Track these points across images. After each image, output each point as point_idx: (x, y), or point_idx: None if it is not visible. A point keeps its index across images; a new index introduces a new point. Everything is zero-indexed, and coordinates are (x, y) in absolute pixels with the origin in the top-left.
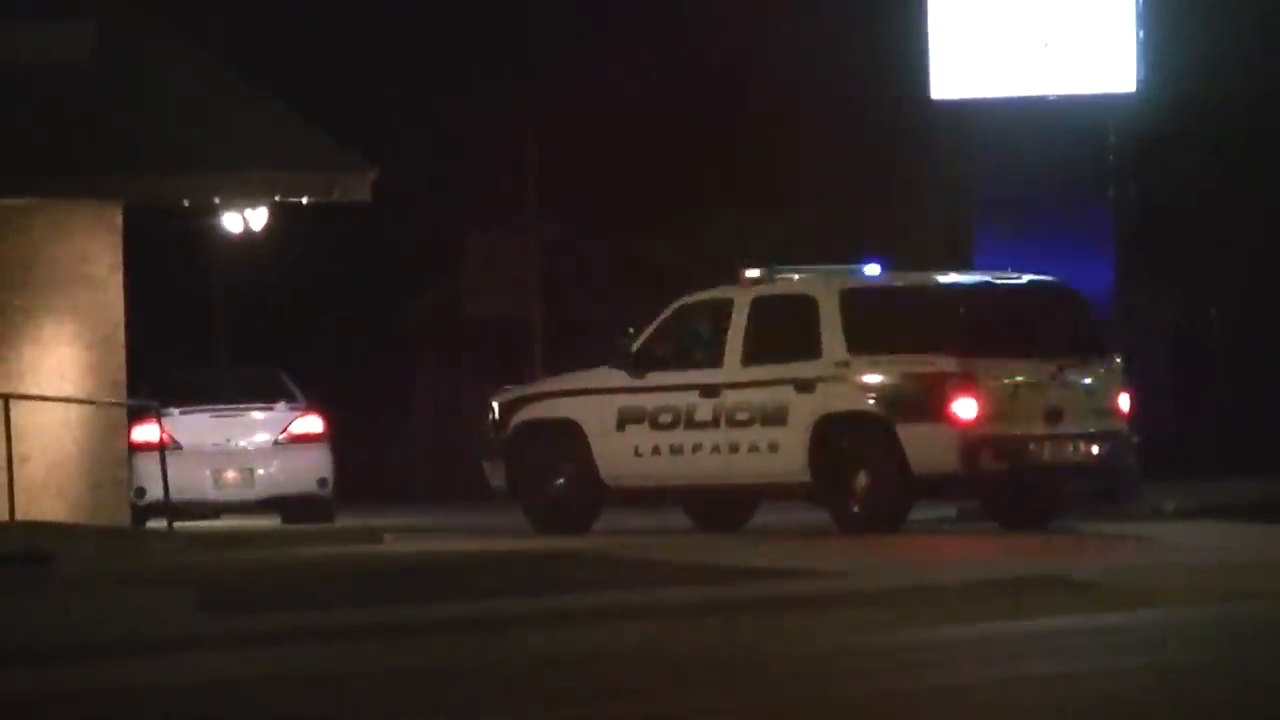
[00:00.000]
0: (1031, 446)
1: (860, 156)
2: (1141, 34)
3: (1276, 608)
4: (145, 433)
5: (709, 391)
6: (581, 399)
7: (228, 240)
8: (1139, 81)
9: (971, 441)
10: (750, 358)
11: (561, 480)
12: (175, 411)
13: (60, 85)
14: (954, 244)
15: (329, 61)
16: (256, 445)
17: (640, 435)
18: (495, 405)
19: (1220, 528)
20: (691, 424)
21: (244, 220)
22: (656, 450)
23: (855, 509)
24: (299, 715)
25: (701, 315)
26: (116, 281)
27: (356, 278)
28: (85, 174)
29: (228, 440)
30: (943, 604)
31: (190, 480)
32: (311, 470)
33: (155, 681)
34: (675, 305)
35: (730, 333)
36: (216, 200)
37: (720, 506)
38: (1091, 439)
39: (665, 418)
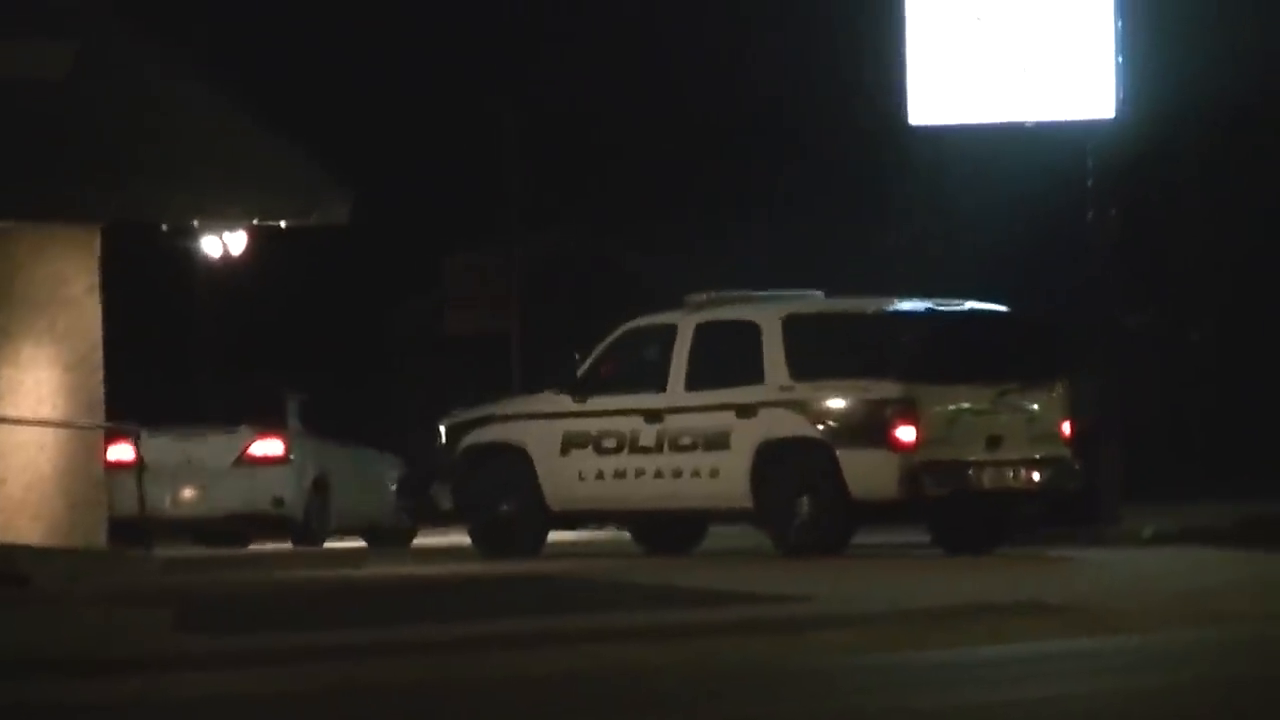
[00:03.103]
0: (972, 472)
1: (837, 180)
2: (1120, 59)
3: (1254, 631)
4: (118, 452)
5: (652, 416)
6: (527, 423)
7: (208, 261)
8: (1118, 106)
9: (912, 467)
10: (694, 383)
11: (507, 505)
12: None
13: (39, 104)
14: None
15: (308, 81)
16: (213, 466)
17: (585, 460)
18: (443, 429)
19: (1199, 552)
20: (635, 449)
21: (223, 243)
22: (601, 475)
23: (796, 534)
24: None
25: (646, 340)
26: (94, 303)
27: (336, 297)
28: (62, 195)
29: (188, 460)
30: (920, 628)
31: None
32: (267, 489)
33: (132, 699)
34: (620, 330)
35: (674, 358)
36: (195, 223)
37: (668, 530)
38: (1033, 464)
39: (609, 442)
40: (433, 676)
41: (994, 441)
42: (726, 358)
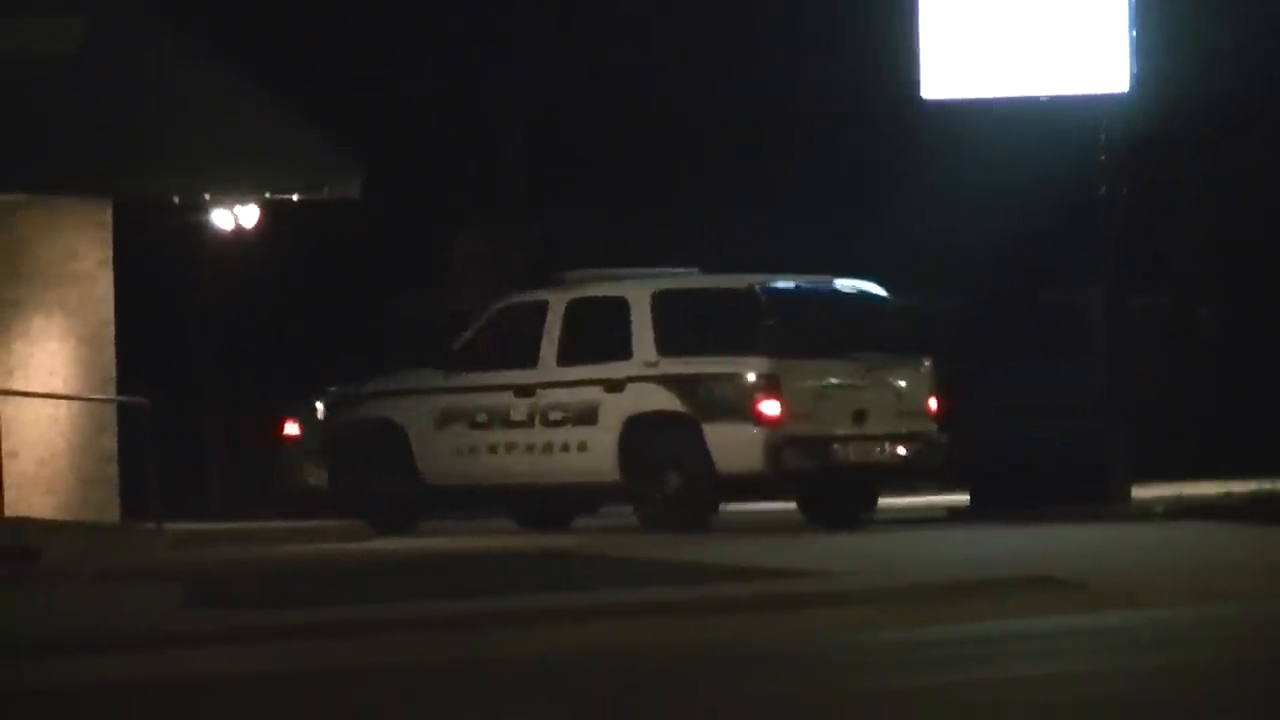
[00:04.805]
0: (837, 447)
1: (849, 156)
2: (1134, 34)
3: (1263, 608)
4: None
5: (524, 392)
6: (402, 399)
7: (218, 235)
8: (1131, 81)
9: (776, 441)
10: (565, 359)
11: (383, 480)
12: None
13: (50, 79)
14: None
15: (319, 56)
16: None
17: (458, 435)
18: (319, 405)
19: (1208, 528)
20: (507, 424)
21: (234, 217)
22: (474, 450)
23: (663, 508)
24: (286, 711)
25: (520, 316)
26: (106, 277)
27: (343, 274)
28: (74, 169)
29: None
30: (924, 604)
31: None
32: None
33: (142, 676)
34: (495, 306)
35: (546, 334)
36: (206, 197)
37: (548, 505)
38: (898, 439)
39: (482, 417)
40: (438, 654)
41: (860, 416)
42: (597, 334)
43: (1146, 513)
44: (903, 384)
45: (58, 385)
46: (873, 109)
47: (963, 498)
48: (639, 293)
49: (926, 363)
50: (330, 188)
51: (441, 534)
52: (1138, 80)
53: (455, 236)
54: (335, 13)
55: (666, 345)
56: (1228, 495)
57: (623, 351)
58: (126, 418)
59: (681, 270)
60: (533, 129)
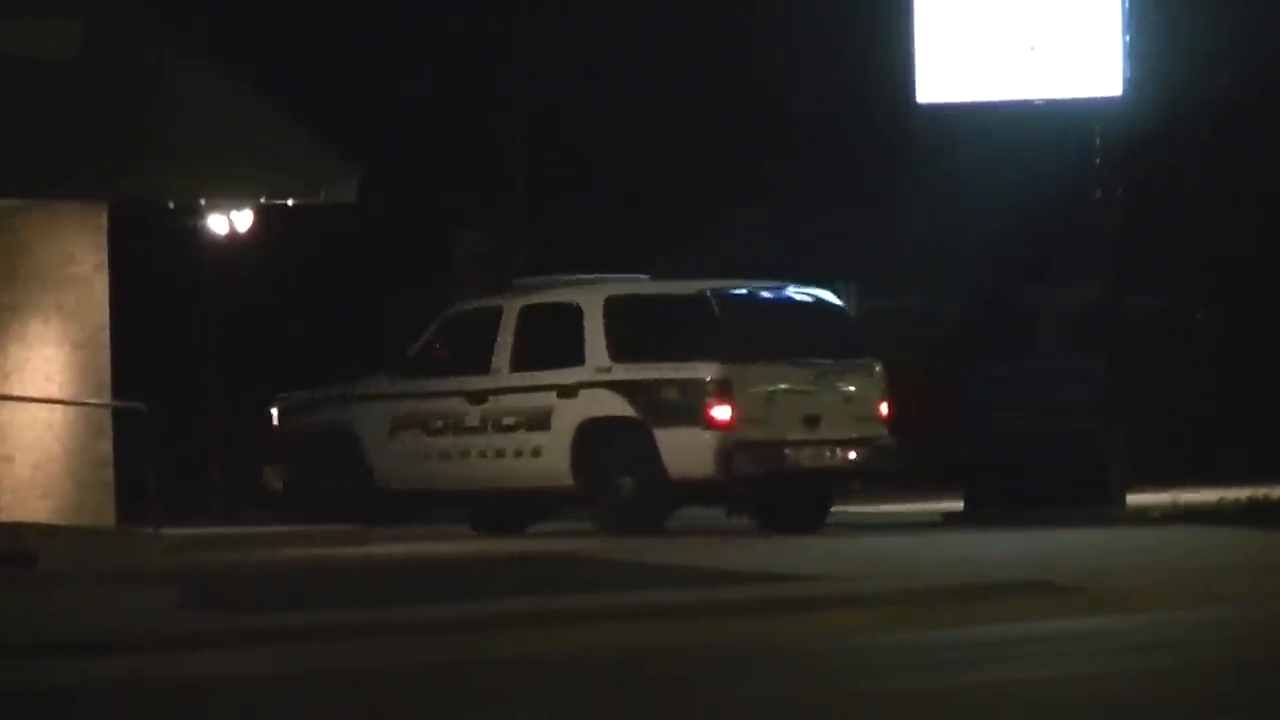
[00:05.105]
0: (788, 452)
1: (848, 157)
2: (1128, 37)
3: (1262, 611)
4: None
5: (477, 398)
6: (357, 405)
7: (214, 239)
8: (1125, 84)
9: (727, 446)
10: (518, 364)
11: (338, 486)
12: None
13: (46, 81)
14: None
15: (319, 57)
16: None
17: (412, 441)
18: (275, 411)
19: (1206, 532)
20: (461, 430)
21: (229, 221)
22: (428, 456)
23: (616, 513)
24: (286, 713)
25: (474, 322)
26: (102, 281)
27: (341, 274)
28: (70, 173)
29: None
30: (925, 608)
31: None
32: None
33: (140, 678)
34: (448, 312)
35: (499, 340)
36: (202, 201)
37: (504, 510)
38: (850, 444)
39: (436, 423)
40: (438, 657)
41: (811, 421)
42: (550, 340)
43: (1143, 516)
44: (855, 389)
45: (54, 389)
46: (870, 112)
47: (955, 505)
48: (591, 299)
49: (878, 368)
50: (326, 191)
51: (400, 540)
52: (1132, 84)
53: (455, 236)
54: (334, 13)
55: (619, 351)
56: (1222, 502)
57: (575, 357)
58: (125, 422)
59: (633, 276)
60: (533, 129)
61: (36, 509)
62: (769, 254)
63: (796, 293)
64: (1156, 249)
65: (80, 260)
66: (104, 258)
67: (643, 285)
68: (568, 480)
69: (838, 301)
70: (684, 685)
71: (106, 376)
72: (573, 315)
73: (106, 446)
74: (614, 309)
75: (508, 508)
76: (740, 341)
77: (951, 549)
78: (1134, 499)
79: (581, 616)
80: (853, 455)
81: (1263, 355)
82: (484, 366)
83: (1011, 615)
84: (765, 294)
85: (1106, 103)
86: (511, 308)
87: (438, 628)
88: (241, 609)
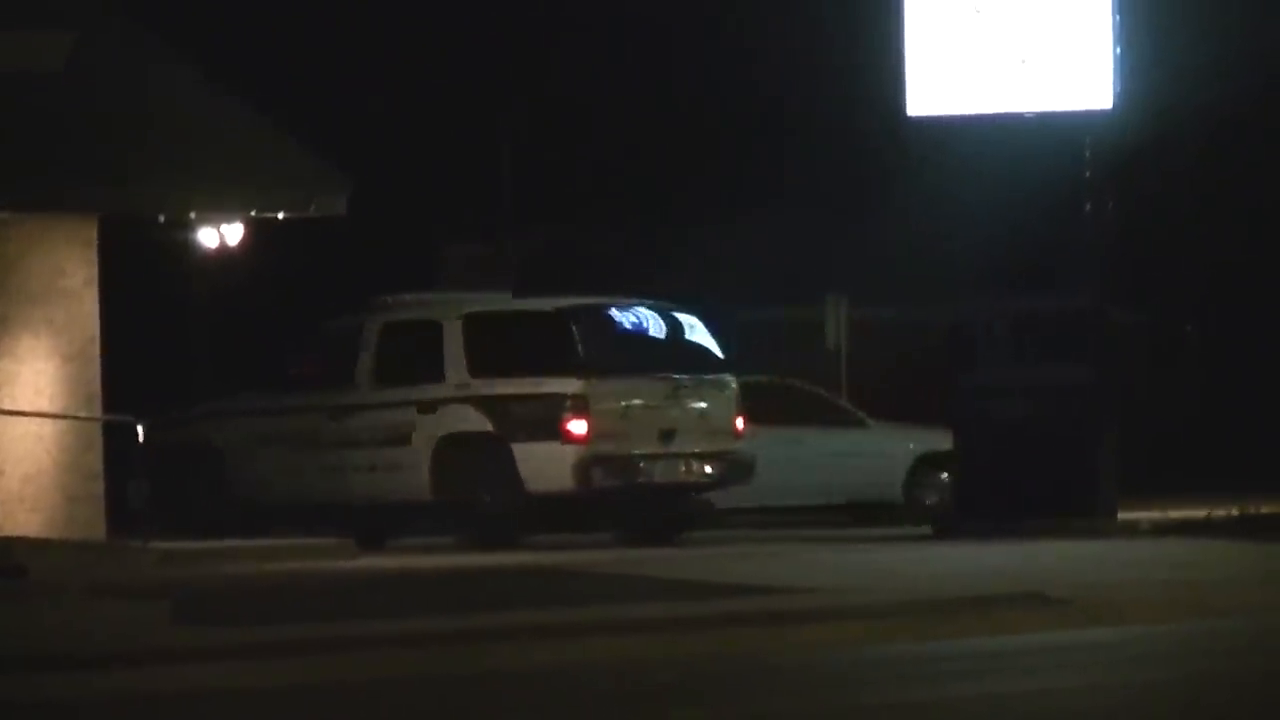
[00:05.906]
0: (644, 465)
1: (840, 170)
2: (1118, 50)
3: (1255, 623)
4: None
5: (340, 413)
6: (222, 422)
7: (204, 251)
8: (1116, 97)
9: (584, 460)
10: (380, 381)
11: (201, 503)
12: None
13: (36, 95)
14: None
15: (305, 72)
16: None
17: (276, 456)
18: (140, 429)
19: (1198, 544)
20: (323, 445)
21: (219, 235)
22: (290, 471)
23: (474, 527)
24: None
25: (338, 339)
26: (92, 295)
27: (335, 285)
28: (60, 186)
29: None
30: (920, 620)
31: None
32: None
33: (130, 690)
34: (314, 330)
35: (362, 356)
36: (192, 215)
37: (375, 522)
38: (705, 458)
39: (299, 438)
40: (432, 670)
41: (667, 435)
42: (411, 356)
43: (1135, 529)
44: (710, 404)
45: (44, 403)
46: (861, 125)
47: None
48: (450, 315)
49: (733, 383)
50: (317, 205)
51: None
52: (1122, 97)
53: (447, 247)
54: (324, 28)
55: (478, 367)
56: (1211, 516)
57: (435, 374)
58: (116, 435)
59: (493, 294)
60: (524, 140)
61: (26, 522)
62: (759, 266)
63: (655, 310)
64: (1147, 262)
65: (70, 274)
66: (94, 271)
67: (502, 302)
68: (428, 494)
69: (695, 319)
70: (684, 698)
71: (97, 390)
72: (433, 332)
73: (97, 460)
74: (472, 326)
75: (370, 521)
76: (597, 357)
77: (944, 562)
78: (1123, 513)
79: (575, 630)
80: (708, 469)
81: (1251, 367)
82: (348, 382)
83: (1007, 627)
84: (623, 311)
85: (1097, 115)
86: (373, 324)
87: (427, 640)
88: (233, 622)
